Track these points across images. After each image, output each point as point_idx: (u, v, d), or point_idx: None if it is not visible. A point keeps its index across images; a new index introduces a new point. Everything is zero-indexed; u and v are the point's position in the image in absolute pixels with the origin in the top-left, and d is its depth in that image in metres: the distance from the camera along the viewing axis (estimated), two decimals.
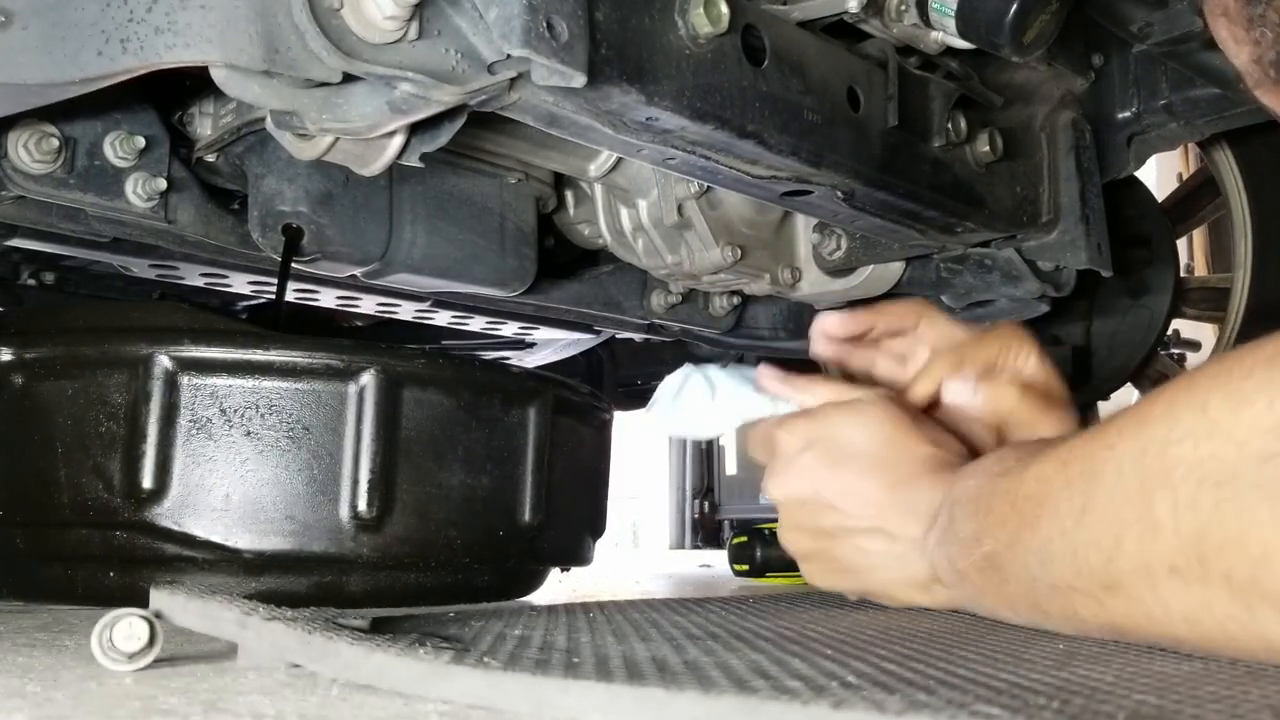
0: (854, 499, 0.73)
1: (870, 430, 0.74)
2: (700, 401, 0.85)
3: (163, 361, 0.91)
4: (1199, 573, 0.47)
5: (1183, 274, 1.64)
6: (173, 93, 0.96)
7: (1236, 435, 0.45)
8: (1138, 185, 1.55)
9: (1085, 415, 1.62)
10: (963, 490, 0.65)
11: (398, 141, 0.75)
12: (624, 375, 2.12)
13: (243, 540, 0.91)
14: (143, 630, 0.50)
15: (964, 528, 0.63)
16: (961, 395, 0.81)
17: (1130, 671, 0.48)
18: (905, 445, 0.73)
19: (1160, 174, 3.13)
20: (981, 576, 0.61)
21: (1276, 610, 0.45)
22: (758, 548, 1.66)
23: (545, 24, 0.64)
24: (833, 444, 0.75)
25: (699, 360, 1.01)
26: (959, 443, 0.76)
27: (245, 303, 1.47)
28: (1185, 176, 2.69)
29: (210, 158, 1.01)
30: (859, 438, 0.74)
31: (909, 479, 0.71)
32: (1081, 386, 1.57)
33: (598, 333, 1.54)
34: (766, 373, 0.84)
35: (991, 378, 0.81)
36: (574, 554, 1.18)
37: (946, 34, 0.93)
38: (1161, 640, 0.52)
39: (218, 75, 0.64)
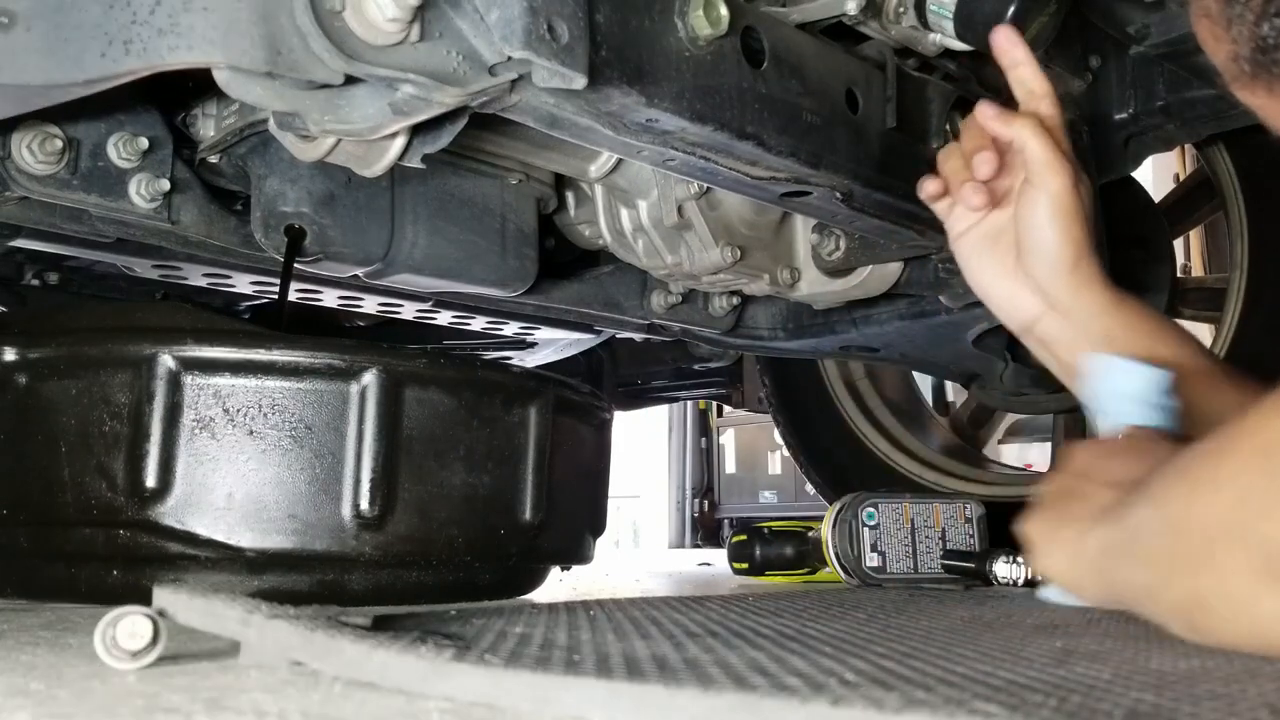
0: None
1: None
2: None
3: (166, 361, 0.92)
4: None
5: (1179, 274, 1.64)
6: (176, 94, 0.96)
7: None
8: (1134, 186, 1.55)
9: (1081, 416, 1.63)
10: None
11: (399, 143, 0.75)
12: (624, 375, 2.12)
13: (245, 539, 0.91)
14: (146, 628, 0.50)
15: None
16: (988, 118, 0.88)
17: (1128, 669, 0.48)
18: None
19: (1157, 175, 3.13)
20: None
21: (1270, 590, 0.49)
22: (757, 546, 1.66)
23: (546, 26, 0.65)
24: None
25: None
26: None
27: (248, 303, 1.48)
28: (1182, 177, 2.69)
29: (213, 159, 1.01)
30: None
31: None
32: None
33: (598, 333, 1.54)
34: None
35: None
36: (574, 552, 1.18)
37: (944, 36, 0.94)
38: (1196, 601, 0.55)
39: (220, 77, 0.64)
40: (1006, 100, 1.12)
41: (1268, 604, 0.50)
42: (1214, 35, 0.59)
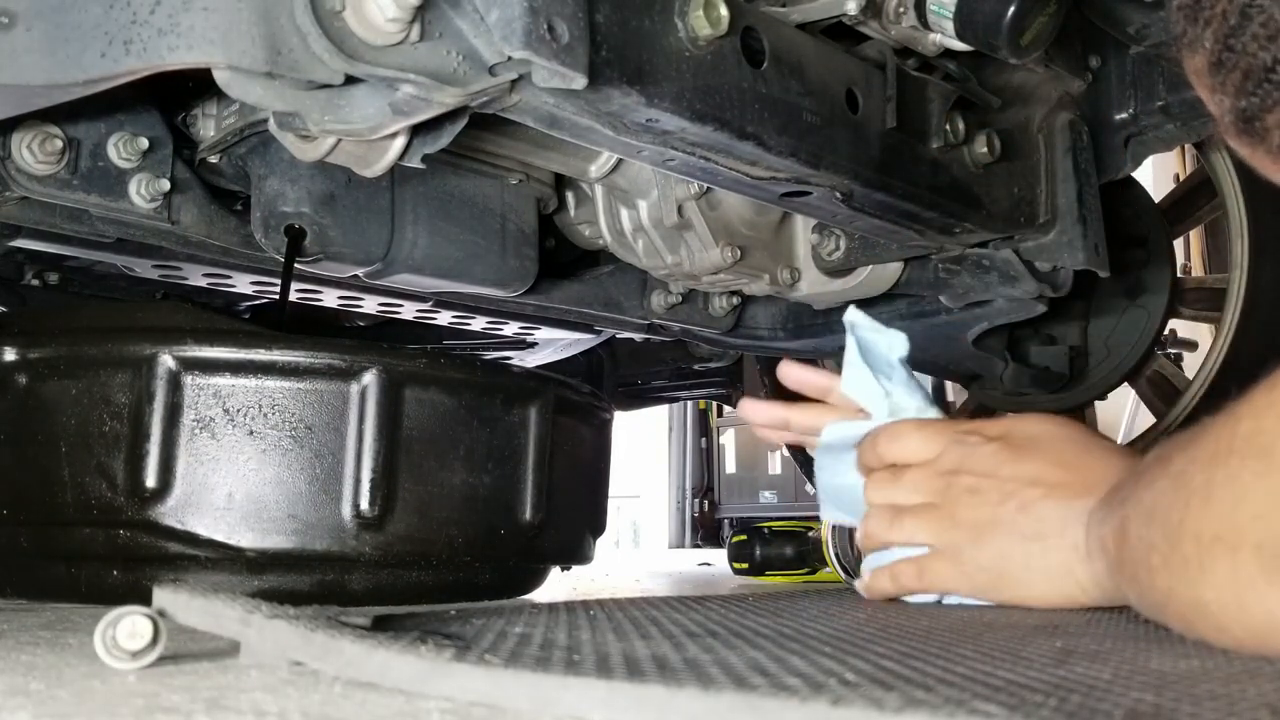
0: (1034, 476, 0.77)
1: (1060, 430, 0.80)
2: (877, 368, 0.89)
3: (166, 361, 0.92)
4: (1234, 542, 0.51)
5: (1179, 274, 1.64)
6: (176, 94, 0.96)
7: None
8: (1135, 186, 1.55)
9: (1082, 416, 1.63)
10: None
11: (399, 143, 0.76)
12: (624, 375, 2.12)
13: (246, 539, 0.91)
14: (146, 628, 0.50)
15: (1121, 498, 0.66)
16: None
17: (1128, 669, 0.48)
18: (1095, 451, 0.77)
19: (1157, 175, 3.13)
20: (1115, 540, 0.64)
21: None
22: (757, 546, 1.66)
23: (546, 26, 0.65)
24: (1022, 437, 0.80)
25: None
26: None
27: (248, 303, 1.48)
28: (1182, 177, 2.69)
29: (213, 159, 1.01)
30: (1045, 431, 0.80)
31: (1101, 478, 0.74)
32: (1078, 386, 1.58)
33: (598, 333, 1.54)
34: None
35: None
36: (574, 552, 1.18)
37: (944, 36, 0.94)
38: (1192, 611, 0.55)
39: (220, 77, 0.64)
40: (1005, 103, 1.12)
41: (1270, 604, 0.50)
42: (1201, 93, 0.62)
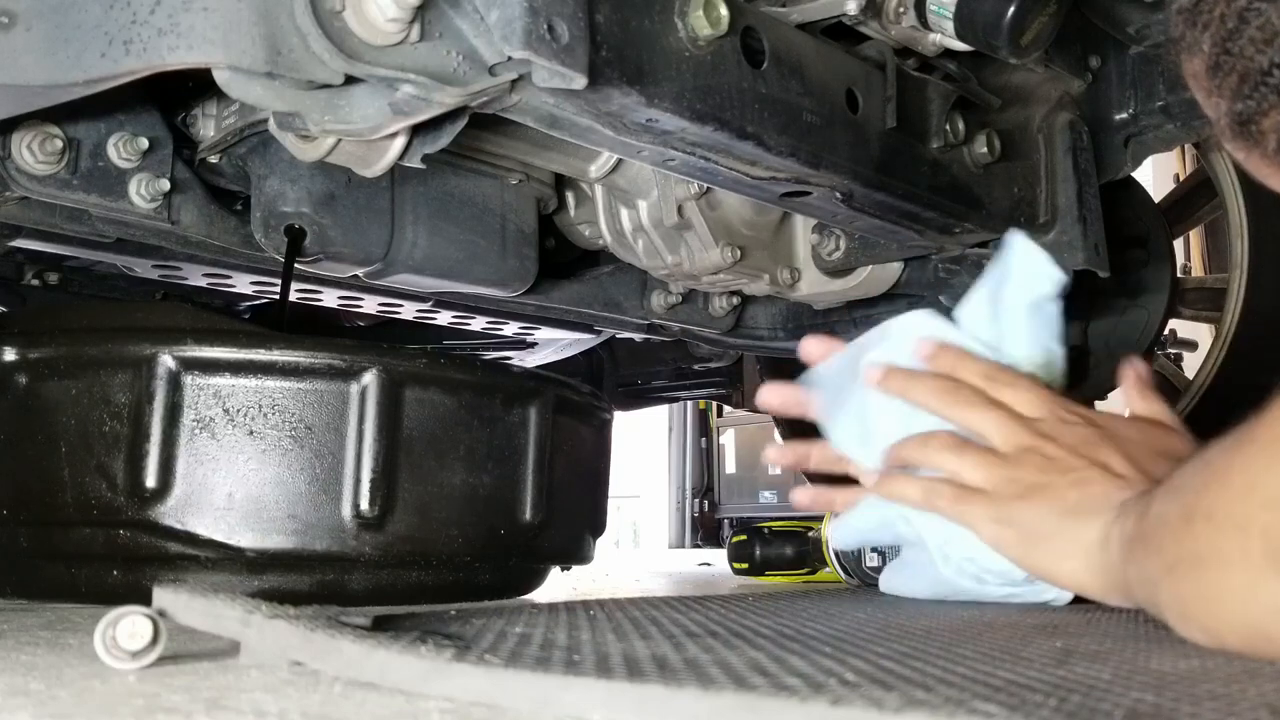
0: (1105, 462, 0.77)
1: (1156, 438, 0.82)
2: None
3: (166, 361, 0.92)
4: (1245, 525, 0.52)
5: (1179, 274, 1.64)
6: (176, 94, 0.96)
7: None
8: (1135, 186, 1.55)
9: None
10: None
11: (399, 143, 0.76)
12: (624, 375, 2.12)
13: (246, 539, 0.91)
14: (146, 628, 0.50)
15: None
16: None
17: (1128, 669, 0.48)
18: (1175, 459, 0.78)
19: (1157, 175, 3.13)
20: (1136, 518, 0.65)
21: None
22: (757, 546, 1.66)
23: (546, 26, 0.65)
24: (1116, 431, 0.80)
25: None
26: None
27: (248, 303, 1.48)
28: (1182, 177, 2.69)
29: (213, 159, 1.01)
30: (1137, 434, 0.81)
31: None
32: (1079, 386, 1.58)
33: (598, 333, 1.54)
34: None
35: None
36: (574, 552, 1.18)
37: (944, 36, 0.94)
38: (1196, 586, 0.55)
39: (220, 77, 0.64)
40: (1005, 103, 1.12)
41: (1269, 594, 0.51)
42: (1199, 95, 0.63)
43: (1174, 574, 0.57)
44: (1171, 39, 0.62)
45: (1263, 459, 0.52)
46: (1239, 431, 0.55)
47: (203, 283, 1.21)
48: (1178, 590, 0.57)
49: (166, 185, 0.94)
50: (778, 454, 1.01)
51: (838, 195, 0.95)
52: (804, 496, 0.98)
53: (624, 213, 1.18)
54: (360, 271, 1.06)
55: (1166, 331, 1.83)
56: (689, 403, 5.15)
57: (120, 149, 0.91)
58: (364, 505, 0.93)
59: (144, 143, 0.92)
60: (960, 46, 0.94)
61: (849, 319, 1.38)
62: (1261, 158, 0.60)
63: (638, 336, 1.60)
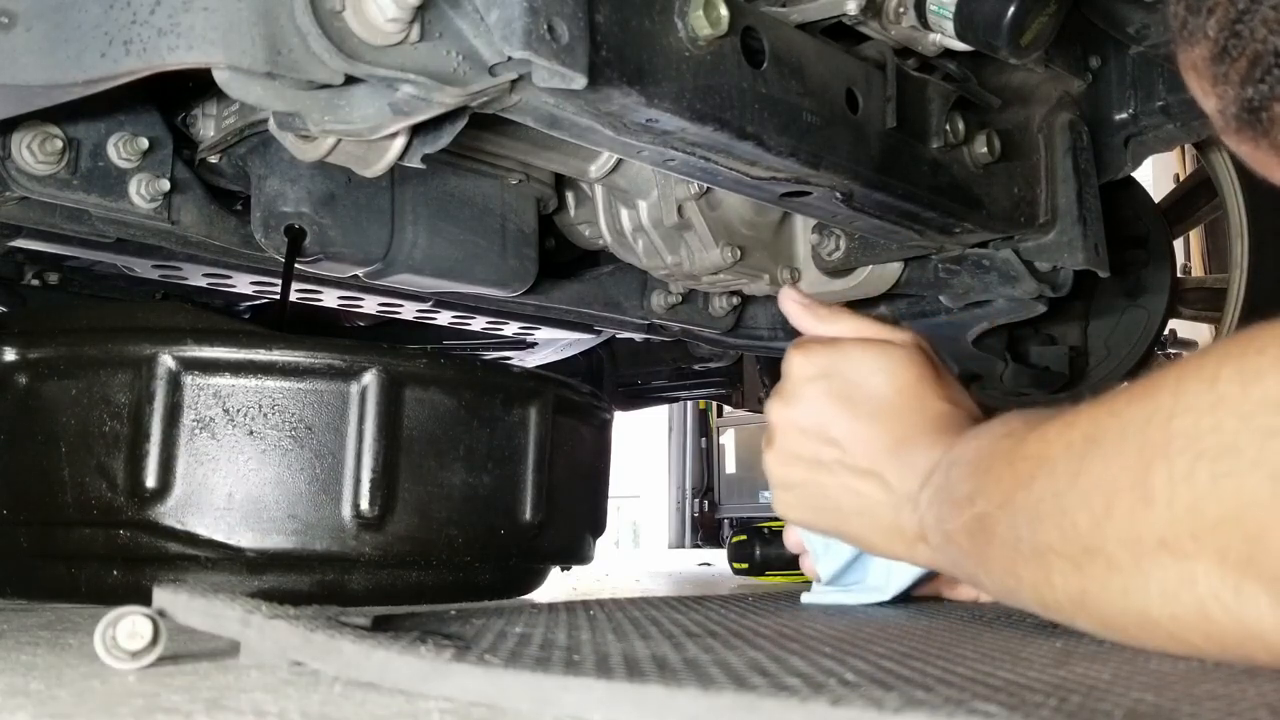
0: (859, 440, 0.72)
1: (891, 374, 0.74)
2: None
3: (166, 361, 0.92)
4: (1190, 548, 0.46)
5: (1179, 274, 1.65)
6: (176, 94, 0.96)
7: (1243, 409, 0.44)
8: (1135, 186, 1.55)
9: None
10: (963, 451, 0.64)
11: (399, 143, 0.76)
12: (624, 375, 2.12)
13: (245, 539, 0.91)
14: (146, 628, 0.50)
15: (960, 488, 0.62)
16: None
17: (1127, 669, 0.48)
18: (922, 397, 0.73)
19: (1157, 175, 3.13)
20: (968, 538, 0.60)
21: (1267, 592, 0.44)
22: (757, 546, 1.66)
23: (546, 26, 0.65)
24: (849, 380, 0.74)
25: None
26: (975, 405, 0.75)
27: (248, 303, 1.48)
28: (1182, 177, 2.69)
29: (213, 159, 1.01)
30: (877, 380, 0.74)
31: (917, 432, 0.71)
32: (1078, 387, 1.58)
33: (598, 333, 1.54)
34: (789, 295, 0.83)
35: None
36: (574, 552, 1.18)
37: (944, 36, 0.94)
38: (1125, 617, 0.50)
39: (220, 77, 0.64)
40: (1005, 103, 1.12)
41: (1240, 613, 0.46)
42: (1201, 89, 0.60)
43: (1092, 602, 0.52)
44: (1171, 31, 0.60)
45: (1203, 474, 0.45)
46: (1111, 437, 0.49)
47: (203, 283, 1.21)
48: (1107, 618, 0.52)
49: (166, 185, 0.94)
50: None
51: (838, 195, 0.95)
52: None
53: (624, 213, 1.18)
54: (360, 271, 1.06)
55: (1166, 331, 1.83)
56: (689, 403, 5.16)
57: (120, 149, 0.91)
58: (364, 505, 0.93)
59: (144, 143, 0.92)
60: (960, 46, 0.94)
61: None
62: (1270, 147, 0.57)
63: (638, 336, 1.60)
